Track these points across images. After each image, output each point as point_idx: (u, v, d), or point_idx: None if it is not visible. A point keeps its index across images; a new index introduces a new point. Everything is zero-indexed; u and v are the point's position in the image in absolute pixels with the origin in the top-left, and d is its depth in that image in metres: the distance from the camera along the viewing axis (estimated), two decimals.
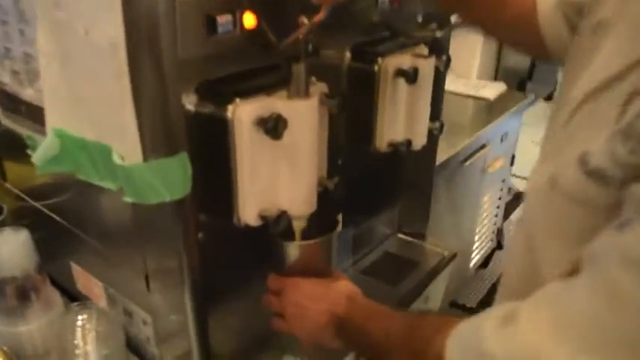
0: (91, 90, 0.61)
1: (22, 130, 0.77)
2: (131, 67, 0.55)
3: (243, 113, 0.60)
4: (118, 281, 0.77)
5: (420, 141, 0.93)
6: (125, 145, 0.59)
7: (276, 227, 0.68)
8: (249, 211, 0.66)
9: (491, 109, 1.88)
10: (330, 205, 0.77)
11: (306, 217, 0.71)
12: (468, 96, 1.95)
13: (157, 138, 0.59)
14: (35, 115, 0.71)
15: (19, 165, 0.88)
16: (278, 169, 0.66)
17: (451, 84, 1.89)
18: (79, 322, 0.72)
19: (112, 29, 0.53)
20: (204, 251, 0.69)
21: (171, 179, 0.59)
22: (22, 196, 0.88)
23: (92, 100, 0.61)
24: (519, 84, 2.40)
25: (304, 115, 0.65)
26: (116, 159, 0.60)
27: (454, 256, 1.18)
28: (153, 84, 0.56)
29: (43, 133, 0.70)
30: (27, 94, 0.72)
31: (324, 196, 0.74)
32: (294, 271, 0.74)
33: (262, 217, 0.67)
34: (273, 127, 0.61)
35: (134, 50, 0.54)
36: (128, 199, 0.62)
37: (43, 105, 0.67)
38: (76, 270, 0.82)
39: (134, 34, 0.53)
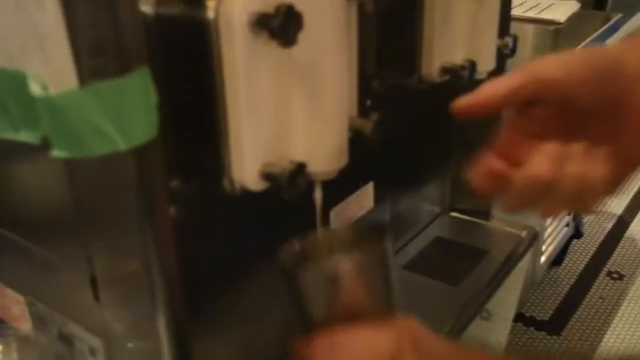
0: None
1: None
2: None
3: (234, 9, 0.55)
4: (49, 293, 0.72)
5: (487, 63, 0.93)
6: (49, 65, 0.53)
7: (290, 190, 0.63)
8: (248, 168, 0.61)
9: (561, 36, 1.92)
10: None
11: (333, 173, 0.68)
12: (529, 20, 1.97)
13: (100, 48, 0.52)
14: None
15: None
16: (290, 100, 0.62)
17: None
18: None
19: None
20: (181, 236, 0.64)
21: (126, 113, 0.52)
22: None
23: None
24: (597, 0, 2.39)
25: (327, 8, 0.61)
26: (36, 89, 0.54)
27: (535, 236, 1.17)
28: None
29: None
30: None
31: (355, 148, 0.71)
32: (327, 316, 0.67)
33: (267, 176, 0.63)
34: (281, 25, 0.55)
35: None
36: (58, 154, 0.55)
37: None
38: None
39: None
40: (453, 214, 1.23)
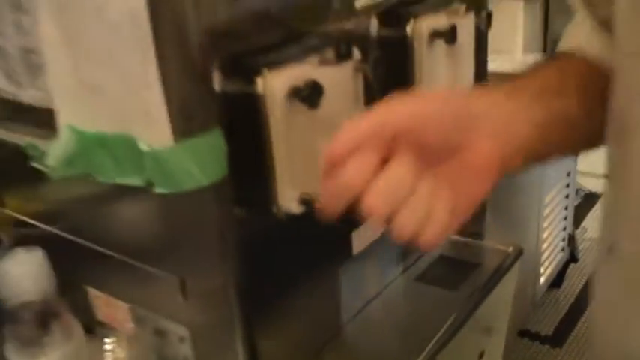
0: (107, 75, 0.70)
1: (22, 139, 0.86)
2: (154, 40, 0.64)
3: (276, 85, 0.69)
4: (146, 298, 0.85)
5: None
6: (152, 130, 0.68)
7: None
8: (289, 196, 0.74)
9: None
10: None
11: None
12: None
13: (188, 116, 0.68)
14: (38, 118, 0.81)
15: (17, 184, 0.97)
16: (317, 146, 0.73)
17: (492, 62, 1.94)
18: (108, 347, 0.80)
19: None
20: (247, 249, 0.77)
21: (207, 159, 0.68)
22: (24, 219, 0.97)
23: (110, 87, 0.70)
24: None
25: (340, 80, 0.74)
26: (143, 147, 0.69)
27: (520, 252, 1.25)
28: (178, 56, 0.66)
29: (48, 137, 0.80)
30: (28, 95, 0.81)
31: None
32: None
33: (304, 202, 0.75)
34: (308, 94, 0.70)
35: (156, 20, 0.63)
36: (160, 190, 0.70)
37: (51, 104, 0.77)
38: (96, 295, 0.90)
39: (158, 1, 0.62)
40: (454, 237, 1.28)
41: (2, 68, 0.83)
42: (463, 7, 0.98)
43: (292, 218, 0.75)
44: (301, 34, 0.78)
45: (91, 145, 0.75)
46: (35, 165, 0.85)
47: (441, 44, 0.93)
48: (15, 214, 1.00)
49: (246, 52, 0.72)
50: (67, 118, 0.76)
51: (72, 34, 0.71)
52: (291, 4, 0.77)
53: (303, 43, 0.77)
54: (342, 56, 0.76)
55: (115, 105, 0.71)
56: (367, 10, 0.90)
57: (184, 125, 0.68)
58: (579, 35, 0.71)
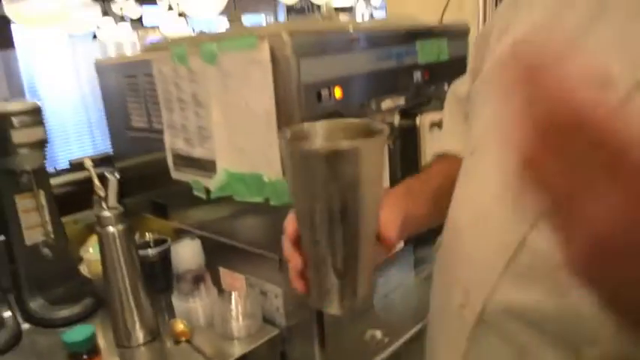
0: (248, 142, 1.21)
1: (189, 178, 1.37)
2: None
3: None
4: (256, 271, 1.32)
5: None
6: (270, 170, 1.18)
7: None
8: None
9: None
10: None
11: None
12: None
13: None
14: (201, 166, 1.32)
15: (180, 206, 1.48)
16: None
17: None
18: (233, 299, 1.27)
19: (267, 102, 1.13)
20: None
21: None
22: (182, 227, 1.47)
23: (248, 147, 1.21)
24: None
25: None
26: (265, 179, 1.19)
27: None
28: None
29: (205, 176, 1.31)
30: (197, 152, 1.33)
31: None
32: None
33: None
34: None
35: (278, 113, 1.14)
36: (274, 204, 1.19)
37: (213, 157, 1.28)
38: (223, 272, 1.38)
39: (279, 103, 1.13)
40: None
41: (183, 137, 1.35)
42: None
43: None
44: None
45: (234, 179, 1.25)
46: (196, 193, 1.36)
47: (436, 130, 1.42)
48: (177, 224, 1.51)
49: None
50: (222, 164, 1.27)
51: (229, 118, 1.23)
52: (348, 110, 1.26)
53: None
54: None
55: (250, 157, 1.22)
56: (391, 110, 1.40)
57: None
58: (451, 139, 0.94)
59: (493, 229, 0.67)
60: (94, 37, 6.70)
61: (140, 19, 7.46)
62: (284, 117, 1.14)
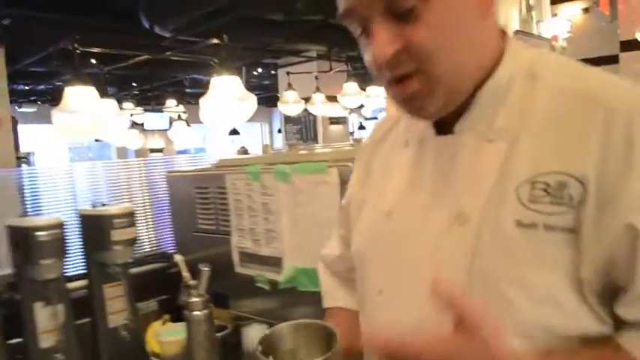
0: (313, 242, 1.49)
1: (253, 272, 1.64)
2: None
3: None
4: None
5: None
6: None
7: None
8: None
9: None
10: None
11: None
12: None
13: None
14: (266, 262, 1.60)
15: (242, 294, 1.74)
16: None
17: None
18: None
19: (332, 213, 1.43)
20: None
21: None
22: (240, 314, 1.73)
23: (312, 247, 1.49)
24: None
25: None
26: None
27: None
28: None
29: (270, 271, 1.58)
30: (264, 251, 1.61)
31: None
32: None
33: None
34: None
35: None
36: (303, 290, 1.47)
37: (279, 255, 1.56)
38: None
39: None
40: None
41: (251, 238, 1.64)
42: None
43: None
44: None
45: (299, 273, 1.53)
46: (259, 285, 1.63)
47: None
48: (236, 312, 1.77)
49: None
50: (288, 260, 1.55)
51: (297, 224, 1.52)
52: None
53: None
54: None
55: (313, 254, 1.50)
56: None
57: None
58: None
59: None
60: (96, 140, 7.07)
61: (142, 124, 7.90)
62: None
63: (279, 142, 10.37)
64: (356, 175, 0.96)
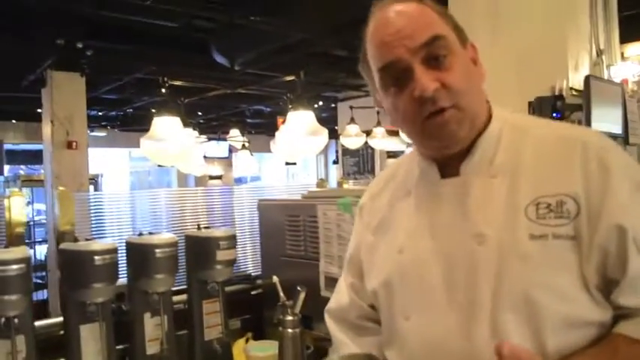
0: None
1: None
2: None
3: None
4: None
5: None
6: None
7: None
8: None
9: None
10: None
11: None
12: None
13: None
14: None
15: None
16: None
17: None
18: None
19: None
20: None
21: None
22: (324, 335, 1.86)
23: None
24: None
25: None
26: None
27: None
28: None
29: None
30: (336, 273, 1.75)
31: None
32: None
33: None
34: None
35: None
36: None
37: None
38: None
39: None
40: None
41: (338, 264, 1.78)
42: None
43: None
44: None
45: None
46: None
47: None
48: (319, 333, 1.91)
49: None
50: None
51: None
52: None
53: None
54: None
55: None
56: None
57: None
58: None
59: None
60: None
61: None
62: None
63: (333, 173, 10.54)
64: (359, 228, 1.13)
